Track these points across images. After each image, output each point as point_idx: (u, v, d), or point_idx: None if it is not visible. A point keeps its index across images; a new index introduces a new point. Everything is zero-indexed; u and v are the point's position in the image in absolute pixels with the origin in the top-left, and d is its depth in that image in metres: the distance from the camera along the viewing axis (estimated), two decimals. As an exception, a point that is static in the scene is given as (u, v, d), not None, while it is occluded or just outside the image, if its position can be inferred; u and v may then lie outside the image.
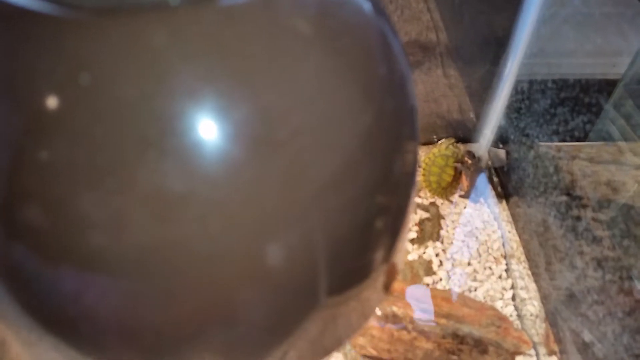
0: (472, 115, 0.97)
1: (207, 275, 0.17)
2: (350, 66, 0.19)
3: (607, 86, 0.94)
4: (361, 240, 0.21)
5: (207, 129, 0.15)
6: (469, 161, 0.86)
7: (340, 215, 0.19)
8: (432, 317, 0.72)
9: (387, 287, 0.26)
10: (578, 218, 0.80)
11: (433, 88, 1.03)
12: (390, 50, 0.21)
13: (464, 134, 0.96)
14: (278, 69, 0.17)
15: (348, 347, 0.71)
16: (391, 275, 0.26)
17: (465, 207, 0.88)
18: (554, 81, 0.92)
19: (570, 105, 0.93)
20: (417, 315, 0.72)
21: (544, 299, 0.74)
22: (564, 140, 0.91)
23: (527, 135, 0.89)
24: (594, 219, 0.81)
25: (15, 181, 0.16)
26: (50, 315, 0.18)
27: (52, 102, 0.15)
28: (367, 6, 0.21)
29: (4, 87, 0.16)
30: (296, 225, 0.18)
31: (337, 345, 0.25)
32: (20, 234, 0.16)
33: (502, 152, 0.91)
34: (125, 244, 0.16)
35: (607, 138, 0.93)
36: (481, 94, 0.95)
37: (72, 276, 0.17)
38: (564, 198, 0.83)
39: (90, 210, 0.15)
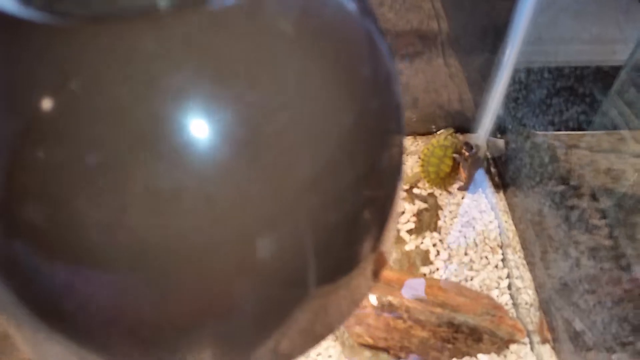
0: (471, 104, 0.97)
1: (200, 270, 0.18)
2: (334, 67, 0.20)
3: (607, 74, 0.94)
4: (349, 231, 0.21)
5: (196, 130, 0.16)
6: (466, 153, 0.87)
7: (328, 209, 0.20)
8: (424, 303, 0.73)
9: (376, 275, 0.27)
10: (574, 207, 0.80)
11: (434, 78, 1.03)
12: (374, 50, 0.22)
13: (464, 124, 0.96)
14: (264, 71, 0.17)
15: (346, 335, 0.73)
16: (380, 263, 0.26)
17: (463, 198, 0.89)
18: (552, 69, 0.91)
19: (570, 94, 0.93)
20: (408, 296, 0.73)
21: (539, 288, 0.75)
22: (563, 130, 0.91)
23: (525, 125, 0.89)
24: (590, 208, 0.82)
25: (13, 181, 0.16)
26: (50, 309, 0.19)
27: (46, 106, 0.16)
28: (352, 6, 0.21)
29: (1, 92, 0.17)
30: (284, 219, 0.18)
31: (328, 331, 0.26)
32: (20, 231, 0.17)
33: (500, 142, 0.91)
34: (120, 240, 0.17)
35: (609, 126, 0.93)
36: (480, 83, 0.95)
37: (70, 272, 0.18)
38: (561, 187, 0.83)
39: (86, 209, 0.16)
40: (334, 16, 0.21)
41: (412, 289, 0.74)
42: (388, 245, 0.26)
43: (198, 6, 0.17)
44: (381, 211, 0.23)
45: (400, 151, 0.24)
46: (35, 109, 0.16)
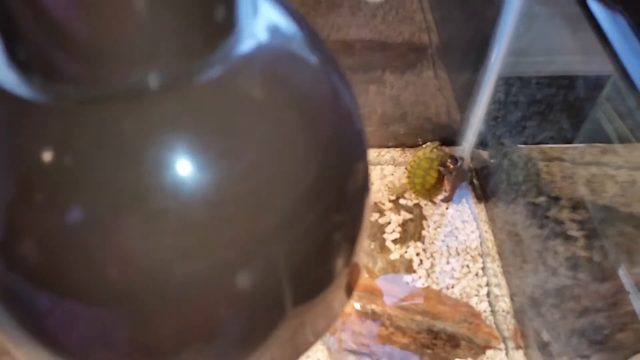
0: (457, 117, 1.01)
1: (184, 302, 0.21)
2: (302, 123, 0.23)
3: (591, 86, 0.97)
4: (322, 254, 0.24)
5: (174, 193, 0.19)
6: (451, 166, 0.91)
7: (300, 239, 0.23)
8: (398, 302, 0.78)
9: (351, 288, 0.29)
10: (552, 219, 0.84)
11: (423, 90, 1.06)
12: (336, 98, 0.26)
13: (450, 137, 1.00)
14: (239, 137, 0.21)
15: (332, 341, 0.78)
16: (355, 274, 0.29)
17: (447, 208, 0.93)
18: (535, 81, 0.94)
19: (553, 106, 0.96)
20: (388, 301, 0.78)
21: (514, 296, 0.79)
22: (546, 143, 0.94)
23: (507, 138, 0.93)
24: (569, 220, 0.85)
25: (13, 228, 0.20)
26: (43, 334, 0.22)
27: (38, 177, 0.19)
28: (314, 59, 0.25)
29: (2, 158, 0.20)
30: (260, 253, 0.22)
31: (308, 346, 0.28)
32: (17, 267, 0.20)
33: (484, 154, 0.95)
34: (108, 279, 0.20)
35: (593, 138, 0.96)
36: (466, 96, 0.99)
37: (62, 303, 0.21)
38: (540, 199, 0.87)
39: (75, 256, 0.19)
40: (300, 76, 0.25)
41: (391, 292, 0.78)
42: (361, 257, 0.30)
43: (184, 85, 0.20)
44: (351, 230, 0.26)
45: (365, 174, 0.27)
46: (29, 177, 0.19)
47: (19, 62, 0.20)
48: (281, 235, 0.22)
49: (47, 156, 0.19)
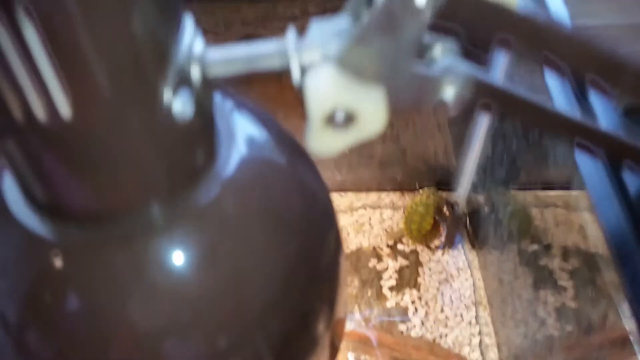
0: (453, 160, 1.03)
1: None
2: (276, 227, 0.27)
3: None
4: (304, 325, 0.27)
5: (167, 300, 0.23)
6: (447, 213, 0.94)
7: (282, 318, 0.26)
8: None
9: (335, 344, 0.32)
10: (542, 268, 0.86)
11: (423, 129, 1.08)
12: (306, 193, 0.29)
13: (447, 180, 1.02)
14: (223, 250, 0.24)
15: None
16: (338, 330, 0.32)
17: (443, 255, 0.96)
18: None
19: (549, 148, 0.97)
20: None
21: (502, 346, 0.82)
22: (541, 189, 0.96)
23: (501, 184, 0.95)
24: (560, 269, 0.87)
25: (23, 324, 0.24)
26: None
27: (45, 288, 0.23)
28: (284, 161, 0.28)
29: (17, 276, 0.24)
30: (245, 334, 0.25)
31: None
32: (27, 353, 0.25)
33: (480, 199, 0.97)
34: None
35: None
36: (462, 137, 1.00)
37: None
38: (532, 247, 0.89)
39: (80, 346, 0.24)
40: (273, 180, 0.28)
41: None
42: (342, 312, 0.32)
43: (173, 221, 0.23)
44: (329, 293, 0.29)
45: (336, 239, 0.30)
46: (39, 287, 0.23)
47: (33, 204, 0.24)
48: (263, 318, 0.25)
49: (53, 279, 0.23)
